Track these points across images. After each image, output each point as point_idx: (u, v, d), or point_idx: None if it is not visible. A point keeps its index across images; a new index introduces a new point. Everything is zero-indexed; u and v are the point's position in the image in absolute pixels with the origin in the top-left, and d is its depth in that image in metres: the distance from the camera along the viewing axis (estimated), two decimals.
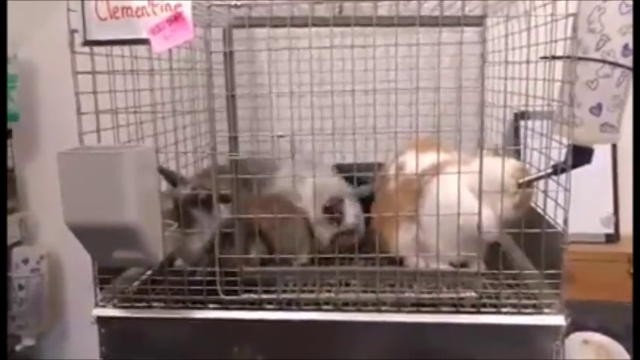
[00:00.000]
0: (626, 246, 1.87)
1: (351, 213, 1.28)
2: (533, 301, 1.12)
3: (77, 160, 1.03)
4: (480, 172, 1.09)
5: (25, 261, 1.96)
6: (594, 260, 1.80)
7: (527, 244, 1.26)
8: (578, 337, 1.38)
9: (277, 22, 1.08)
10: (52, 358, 2.17)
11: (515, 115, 1.84)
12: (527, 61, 1.14)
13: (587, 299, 1.70)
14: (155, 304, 1.18)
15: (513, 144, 1.86)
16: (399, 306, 1.13)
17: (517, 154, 1.49)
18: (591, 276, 1.71)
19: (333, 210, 1.26)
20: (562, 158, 1.14)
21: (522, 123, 1.79)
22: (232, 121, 1.10)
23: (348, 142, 1.17)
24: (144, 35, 1.07)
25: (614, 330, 1.66)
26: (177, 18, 1.06)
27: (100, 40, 1.08)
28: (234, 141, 1.10)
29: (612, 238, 1.90)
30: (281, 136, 1.08)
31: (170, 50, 1.12)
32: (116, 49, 1.17)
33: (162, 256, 1.14)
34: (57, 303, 2.16)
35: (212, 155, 1.10)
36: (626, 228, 1.89)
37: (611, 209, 1.91)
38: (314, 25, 1.07)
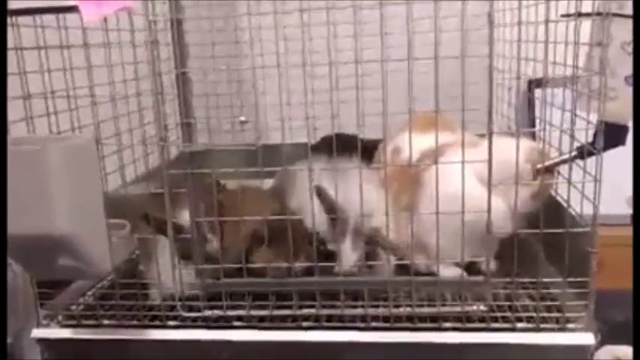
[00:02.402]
0: None
1: (350, 255, 1.00)
2: (556, 315, 0.92)
3: None
4: (490, 156, 0.88)
5: None
6: (619, 245, 1.61)
7: (545, 242, 1.06)
8: (607, 352, 1.18)
9: None
10: (33, 358, 2.02)
11: (530, 82, 1.62)
12: (547, 21, 0.92)
13: (614, 288, 1.51)
14: (106, 322, 1.00)
15: (527, 118, 1.65)
16: (392, 322, 0.94)
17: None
18: (616, 262, 1.52)
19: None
20: (589, 138, 0.93)
21: (537, 93, 1.59)
22: (184, 104, 0.90)
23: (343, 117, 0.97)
24: (71, 2, 0.87)
25: None
26: None
27: (18, 10, 0.89)
28: (187, 128, 0.91)
29: None
30: (243, 122, 0.88)
31: (105, 19, 0.92)
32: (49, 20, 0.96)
33: (110, 266, 0.96)
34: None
35: (160, 146, 0.91)
36: None
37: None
38: None
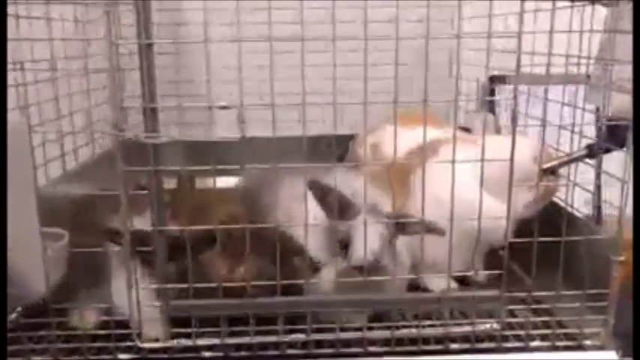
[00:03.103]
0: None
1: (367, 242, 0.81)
2: (572, 331, 0.83)
3: None
4: (512, 157, 0.78)
5: None
6: None
7: (544, 249, 0.98)
8: None
9: None
10: None
11: (491, 78, 1.56)
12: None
13: None
14: (36, 358, 0.79)
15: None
16: (392, 346, 0.81)
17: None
18: None
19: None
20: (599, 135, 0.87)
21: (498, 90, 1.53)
22: (148, 85, 0.72)
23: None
24: None
25: None
26: None
27: None
28: (151, 114, 0.73)
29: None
30: (224, 107, 0.72)
31: None
32: None
33: (45, 287, 0.76)
34: None
35: (114, 136, 0.72)
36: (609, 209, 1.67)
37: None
38: None
